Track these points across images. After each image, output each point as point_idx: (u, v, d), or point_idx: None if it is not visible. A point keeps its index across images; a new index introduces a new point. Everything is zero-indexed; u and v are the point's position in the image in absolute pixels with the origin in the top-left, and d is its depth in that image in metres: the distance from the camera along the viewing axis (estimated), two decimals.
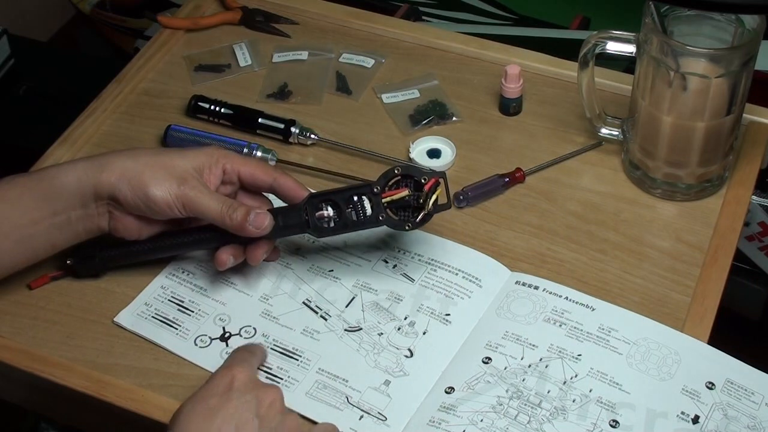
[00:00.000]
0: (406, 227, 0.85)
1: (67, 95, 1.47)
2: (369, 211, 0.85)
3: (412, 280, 0.90)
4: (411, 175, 0.85)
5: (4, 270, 0.85)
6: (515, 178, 0.99)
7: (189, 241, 0.88)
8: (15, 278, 0.90)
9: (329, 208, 0.86)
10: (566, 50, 1.10)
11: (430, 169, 0.89)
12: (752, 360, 0.83)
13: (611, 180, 1.00)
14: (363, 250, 0.93)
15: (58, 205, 0.84)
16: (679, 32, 0.93)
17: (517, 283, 0.90)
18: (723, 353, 0.84)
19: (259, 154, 1.01)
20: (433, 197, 0.85)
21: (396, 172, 0.85)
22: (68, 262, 0.89)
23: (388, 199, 0.85)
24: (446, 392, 0.82)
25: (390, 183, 0.86)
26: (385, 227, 0.86)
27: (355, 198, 0.86)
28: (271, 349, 0.86)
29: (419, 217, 0.85)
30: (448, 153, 1.02)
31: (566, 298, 0.88)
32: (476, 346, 0.85)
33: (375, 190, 0.85)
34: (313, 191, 0.87)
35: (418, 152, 1.02)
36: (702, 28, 0.94)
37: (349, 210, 0.86)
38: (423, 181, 0.85)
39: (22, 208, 0.83)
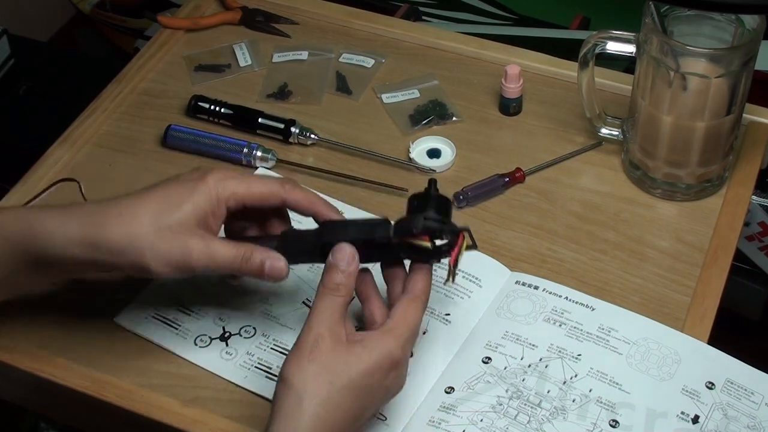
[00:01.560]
0: (432, 256, 0.76)
1: (67, 95, 1.47)
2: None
3: None
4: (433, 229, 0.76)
5: None
6: (515, 178, 0.99)
7: None
8: None
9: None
10: (566, 50, 1.11)
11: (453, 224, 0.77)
12: (752, 360, 0.83)
13: (611, 180, 1.00)
14: None
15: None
16: (679, 32, 0.93)
17: (517, 283, 0.90)
18: (723, 353, 0.84)
19: (259, 153, 1.01)
20: (461, 259, 0.76)
21: (414, 232, 0.75)
22: None
23: (417, 242, 0.76)
24: (446, 392, 0.82)
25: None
26: None
27: (387, 255, 0.78)
28: (271, 349, 0.86)
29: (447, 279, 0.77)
30: (448, 153, 1.02)
31: (566, 298, 0.88)
32: (476, 346, 0.85)
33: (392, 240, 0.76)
34: (332, 209, 0.81)
35: (418, 152, 1.02)
36: (702, 28, 0.94)
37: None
38: (443, 238, 0.76)
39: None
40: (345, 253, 0.75)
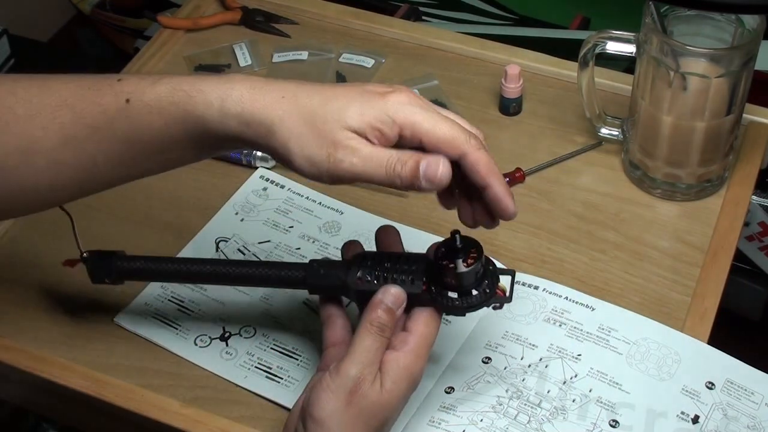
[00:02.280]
0: (463, 311, 0.73)
1: None
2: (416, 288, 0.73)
3: None
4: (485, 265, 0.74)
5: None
6: (515, 178, 0.99)
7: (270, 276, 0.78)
8: (15, 278, 0.90)
9: (375, 276, 0.74)
10: (566, 50, 1.10)
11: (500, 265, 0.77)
12: (752, 360, 0.83)
13: (611, 180, 1.00)
14: None
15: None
16: (679, 32, 0.93)
17: (517, 283, 0.90)
18: (723, 353, 0.84)
19: (259, 153, 1.01)
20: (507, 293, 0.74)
21: (464, 269, 0.71)
22: (84, 255, 0.81)
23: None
24: (446, 392, 0.82)
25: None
26: None
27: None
28: (271, 349, 0.86)
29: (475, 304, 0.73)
30: None
31: (566, 298, 0.88)
32: (476, 346, 0.85)
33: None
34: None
35: None
36: (702, 28, 0.94)
37: (395, 278, 0.74)
38: (491, 268, 0.74)
39: None
40: (397, 296, 0.72)
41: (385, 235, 0.79)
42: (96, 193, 0.76)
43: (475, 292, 0.73)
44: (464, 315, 0.74)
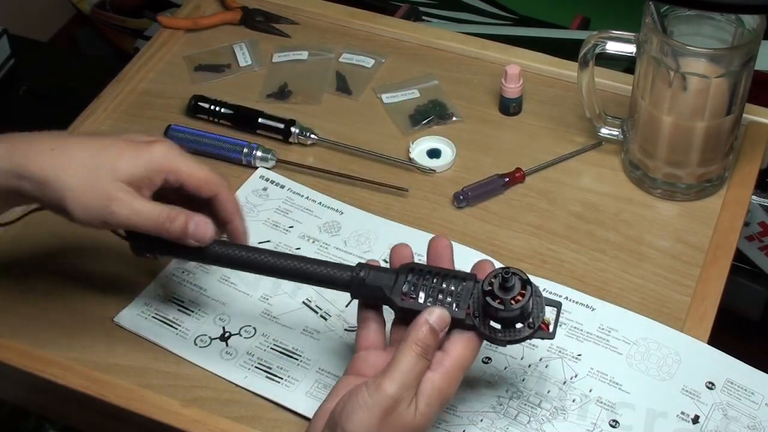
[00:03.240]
0: (504, 343, 0.73)
1: (67, 95, 1.47)
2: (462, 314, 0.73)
3: None
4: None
5: None
6: (515, 178, 0.99)
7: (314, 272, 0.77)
8: (16, 278, 0.90)
9: (420, 292, 0.73)
10: (566, 50, 1.10)
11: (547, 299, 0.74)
12: (752, 360, 0.83)
13: (611, 180, 1.00)
14: (363, 250, 0.93)
15: None
16: (679, 32, 0.93)
17: None
18: (723, 353, 0.84)
19: (259, 153, 1.01)
20: (551, 326, 0.73)
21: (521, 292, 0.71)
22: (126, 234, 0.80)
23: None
24: None
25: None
26: None
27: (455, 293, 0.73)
28: (271, 349, 0.86)
29: (518, 335, 0.72)
30: (448, 153, 1.02)
31: (566, 298, 0.88)
32: None
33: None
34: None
35: (418, 152, 1.02)
36: (702, 28, 0.94)
37: (440, 299, 0.73)
38: (538, 298, 0.73)
39: None
40: (443, 319, 0.72)
41: (436, 246, 0.77)
42: None
43: (519, 326, 0.72)
44: (505, 346, 0.74)
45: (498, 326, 0.72)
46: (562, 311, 0.74)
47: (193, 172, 0.77)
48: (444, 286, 0.73)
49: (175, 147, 0.77)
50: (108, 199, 0.72)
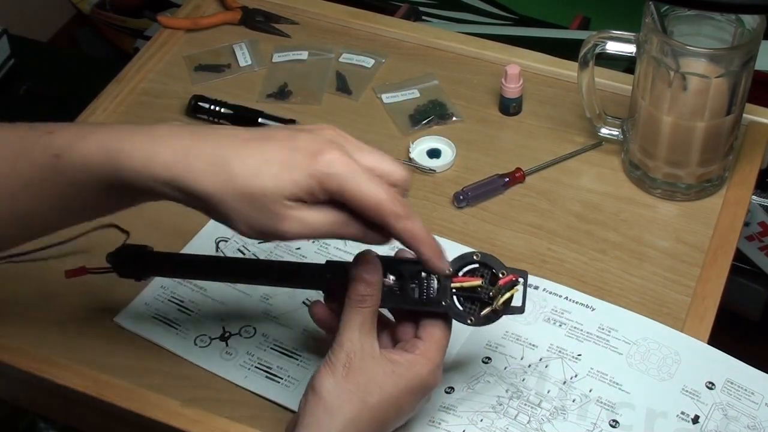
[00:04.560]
0: (468, 321, 0.74)
1: (67, 95, 1.48)
2: (434, 292, 0.74)
3: None
4: (490, 266, 0.74)
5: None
6: (515, 178, 0.99)
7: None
8: (16, 278, 0.90)
9: (391, 276, 0.74)
10: (566, 50, 1.11)
11: (511, 267, 0.75)
12: (752, 360, 0.83)
13: (611, 180, 1.00)
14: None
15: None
16: (679, 32, 0.93)
17: None
18: (723, 353, 0.84)
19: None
20: (506, 295, 0.73)
21: (474, 258, 0.74)
22: (107, 259, 0.81)
23: (458, 285, 0.74)
24: (446, 392, 0.82)
25: (465, 269, 0.75)
26: None
27: (423, 274, 0.74)
28: (271, 349, 0.86)
29: (484, 312, 0.74)
30: (448, 153, 1.02)
31: (566, 298, 0.88)
32: (476, 346, 0.85)
33: (447, 271, 0.73)
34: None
35: (418, 152, 1.02)
36: (702, 28, 0.94)
37: (413, 286, 0.74)
38: (501, 275, 0.74)
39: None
40: (368, 264, 0.73)
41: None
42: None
43: (473, 306, 0.74)
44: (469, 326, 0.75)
45: (460, 308, 0.74)
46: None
47: (362, 196, 0.67)
48: (416, 270, 0.75)
49: (343, 158, 0.67)
50: (277, 219, 0.67)
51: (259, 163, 0.66)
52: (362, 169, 0.67)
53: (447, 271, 0.73)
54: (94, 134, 0.68)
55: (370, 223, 0.68)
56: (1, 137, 0.70)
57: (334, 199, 0.67)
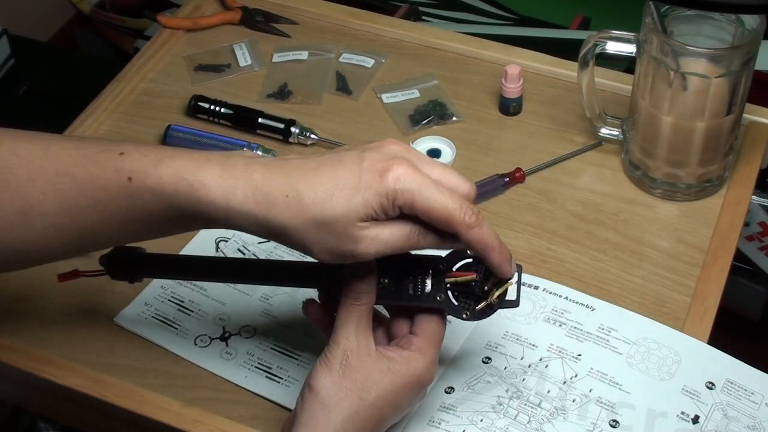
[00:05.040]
0: (464, 316, 0.74)
1: (67, 95, 1.47)
2: (428, 288, 0.74)
3: None
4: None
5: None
6: (515, 178, 0.99)
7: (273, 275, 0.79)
8: (15, 278, 0.90)
9: (386, 274, 0.75)
10: (566, 50, 1.11)
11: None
12: (752, 360, 0.83)
13: (611, 180, 1.00)
14: None
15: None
16: (679, 32, 0.93)
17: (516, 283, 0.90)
18: (723, 353, 0.84)
19: (259, 153, 1.01)
20: (501, 289, 0.73)
21: (469, 253, 0.74)
22: (100, 261, 0.80)
23: (452, 280, 0.74)
24: (446, 392, 0.82)
25: (459, 264, 0.75)
26: None
27: (417, 270, 0.75)
28: (271, 349, 0.86)
29: (479, 307, 0.74)
30: (448, 153, 1.02)
31: (566, 298, 0.88)
32: (476, 346, 0.85)
33: (440, 266, 0.74)
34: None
35: None
36: (702, 28, 0.94)
37: (408, 282, 0.74)
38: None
39: None
40: (363, 262, 0.72)
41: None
42: None
43: (469, 301, 0.74)
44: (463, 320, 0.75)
45: (455, 302, 0.74)
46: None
47: (432, 207, 0.68)
48: (411, 267, 0.75)
49: (410, 172, 0.68)
50: (353, 242, 0.68)
51: (329, 189, 0.67)
52: (430, 181, 0.68)
53: (512, 275, 0.73)
54: (167, 161, 0.69)
55: (443, 232, 0.69)
56: (66, 153, 0.71)
57: (405, 213, 0.69)
